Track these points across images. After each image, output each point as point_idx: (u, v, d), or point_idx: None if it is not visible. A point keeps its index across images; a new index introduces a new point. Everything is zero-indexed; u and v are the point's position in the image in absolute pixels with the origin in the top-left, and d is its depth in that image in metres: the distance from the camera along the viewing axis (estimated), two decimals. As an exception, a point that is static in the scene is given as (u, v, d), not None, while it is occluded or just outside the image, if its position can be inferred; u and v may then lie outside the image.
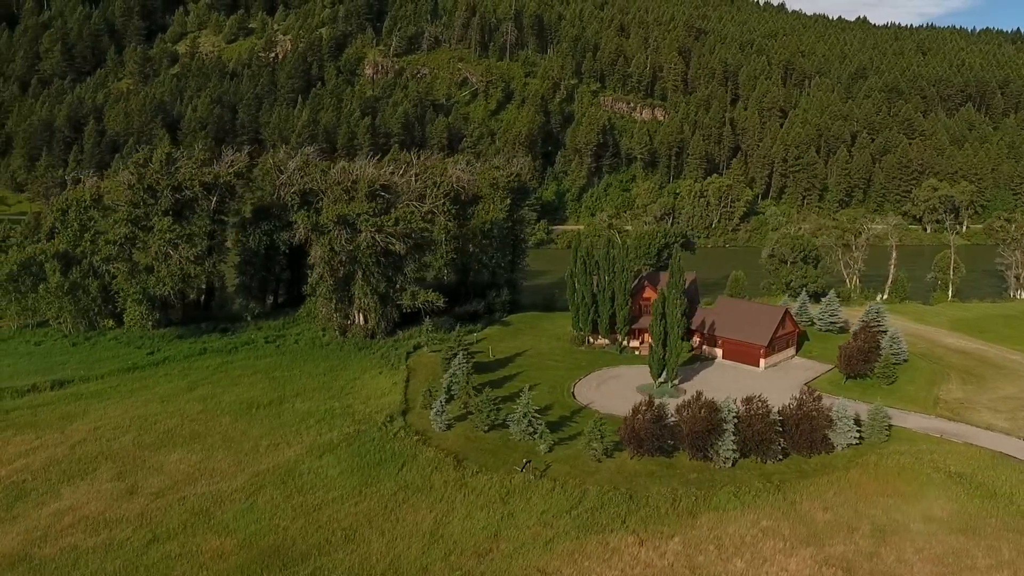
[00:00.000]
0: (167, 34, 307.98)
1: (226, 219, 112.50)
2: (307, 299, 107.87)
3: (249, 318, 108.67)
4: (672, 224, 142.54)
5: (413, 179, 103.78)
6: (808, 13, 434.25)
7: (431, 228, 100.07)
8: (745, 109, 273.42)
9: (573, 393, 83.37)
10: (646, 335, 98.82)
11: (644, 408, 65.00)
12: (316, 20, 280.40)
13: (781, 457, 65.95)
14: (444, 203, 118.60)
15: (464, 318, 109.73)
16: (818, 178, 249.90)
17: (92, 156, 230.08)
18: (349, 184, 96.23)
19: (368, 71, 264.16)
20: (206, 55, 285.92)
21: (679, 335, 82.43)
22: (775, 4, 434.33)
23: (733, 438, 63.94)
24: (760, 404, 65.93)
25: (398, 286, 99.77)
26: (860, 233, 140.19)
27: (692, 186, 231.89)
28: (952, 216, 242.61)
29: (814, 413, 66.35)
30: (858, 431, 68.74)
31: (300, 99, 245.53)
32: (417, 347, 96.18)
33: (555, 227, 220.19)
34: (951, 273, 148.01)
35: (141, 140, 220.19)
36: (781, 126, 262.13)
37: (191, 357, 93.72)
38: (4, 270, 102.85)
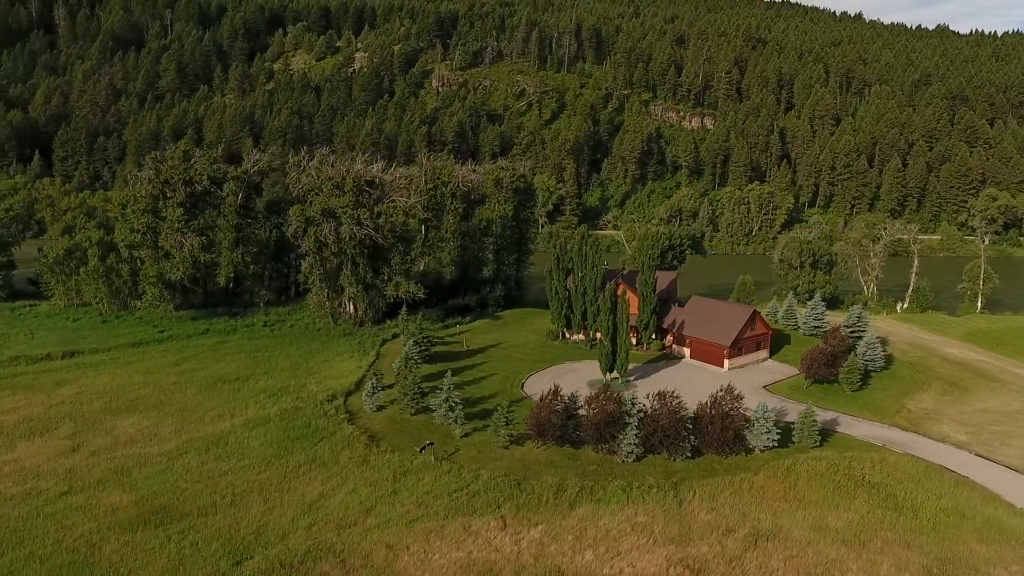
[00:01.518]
0: (267, 53, 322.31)
1: (253, 214, 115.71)
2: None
3: (261, 304, 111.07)
4: (680, 225, 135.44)
5: (399, 176, 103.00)
6: (885, 23, 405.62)
7: (410, 223, 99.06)
8: (797, 117, 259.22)
9: (523, 385, 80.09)
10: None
11: (549, 398, 61.63)
12: (392, 38, 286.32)
13: (690, 455, 60.98)
14: (452, 202, 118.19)
15: (456, 311, 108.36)
16: (868, 187, 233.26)
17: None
18: (340, 180, 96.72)
19: (434, 84, 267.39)
20: (296, 72, 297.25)
21: (627, 330, 78.06)
22: (852, 14, 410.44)
23: (636, 432, 59.59)
24: (671, 400, 61.19)
25: (385, 277, 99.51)
26: (878, 239, 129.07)
27: (732, 193, 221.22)
28: (1011, 228, 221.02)
29: (729, 412, 60.98)
30: (779, 434, 62.73)
31: (370, 110, 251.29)
32: (395, 335, 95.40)
33: (595, 232, 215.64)
34: (981, 284, 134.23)
35: (229, 147, 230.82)
36: (832, 134, 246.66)
37: (193, 336, 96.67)
38: (52, 255, 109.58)
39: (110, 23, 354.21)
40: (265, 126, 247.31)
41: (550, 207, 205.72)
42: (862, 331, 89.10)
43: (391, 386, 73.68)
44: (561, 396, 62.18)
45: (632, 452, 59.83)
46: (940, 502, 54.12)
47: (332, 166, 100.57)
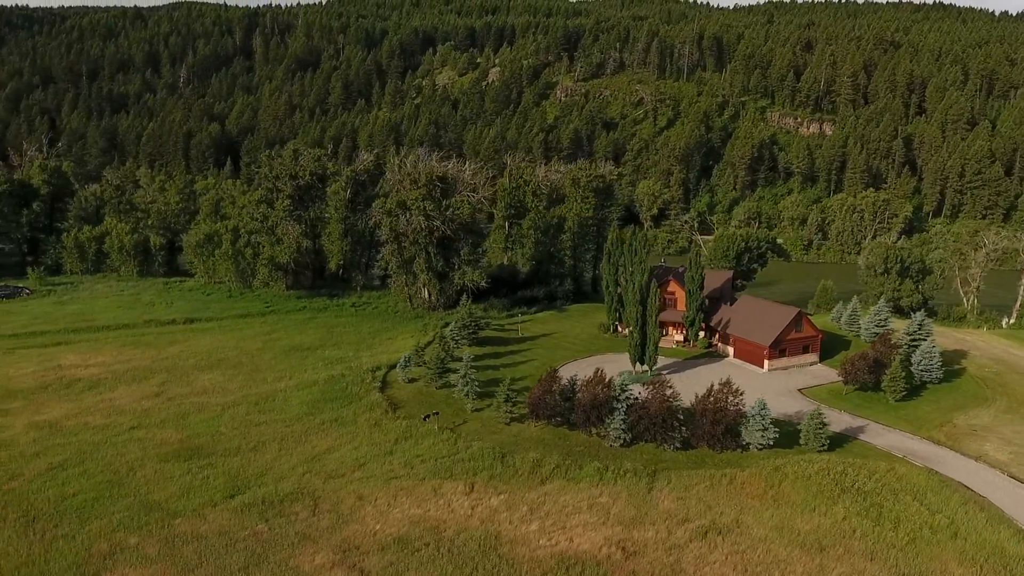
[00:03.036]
0: (418, 71, 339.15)
1: (359, 207, 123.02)
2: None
3: (357, 288, 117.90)
4: (758, 228, 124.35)
5: (474, 174, 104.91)
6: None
7: (477, 216, 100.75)
8: (927, 121, 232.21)
9: (556, 371, 78.65)
10: (670, 328, 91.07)
11: (547, 380, 60.84)
12: (524, 52, 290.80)
13: (680, 446, 57.75)
14: (532, 200, 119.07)
15: (525, 302, 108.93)
16: (1003, 196, 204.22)
17: (343, 166, 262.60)
18: (416, 176, 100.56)
19: (558, 94, 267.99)
20: (440, 87, 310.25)
21: (656, 323, 74.99)
22: (1014, 14, 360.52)
23: (623, 418, 57.39)
24: (663, 390, 58.26)
25: (455, 266, 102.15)
26: (979, 248, 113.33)
27: (844, 199, 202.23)
28: None
29: (721, 407, 57.07)
30: (777, 432, 57.74)
31: (497, 119, 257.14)
32: (470, 310, 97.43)
33: (701, 236, 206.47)
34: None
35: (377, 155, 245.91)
36: (964, 140, 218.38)
37: (290, 312, 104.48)
38: (193, 240, 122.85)
39: (294, 48, 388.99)
40: (405, 134, 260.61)
41: (655, 211, 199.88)
42: (922, 340, 79.25)
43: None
44: (559, 379, 61.18)
45: (620, 437, 57.72)
46: (932, 518, 47.47)
47: (415, 166, 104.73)
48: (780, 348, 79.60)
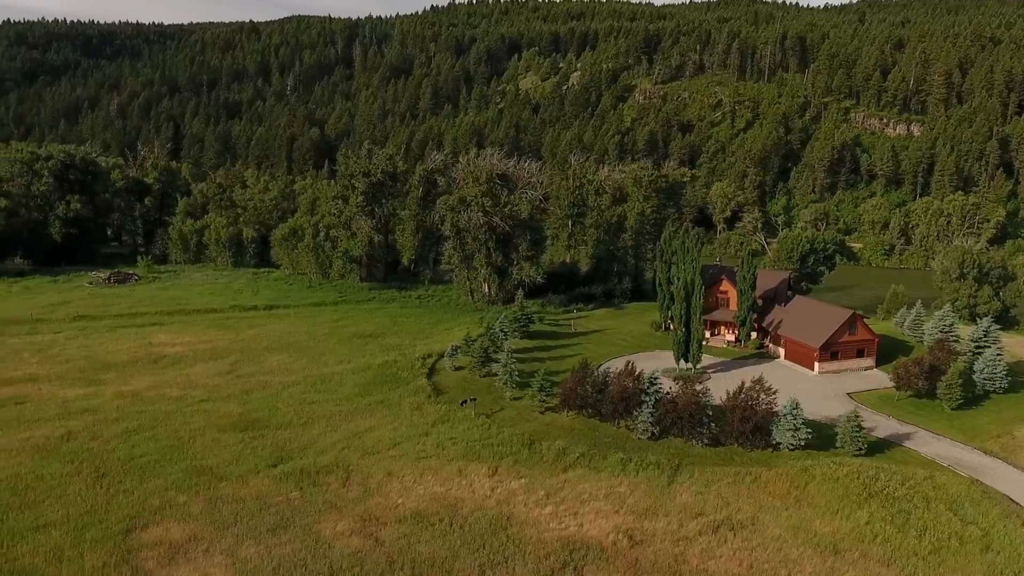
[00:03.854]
0: (503, 76, 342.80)
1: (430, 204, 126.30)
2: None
3: (426, 281, 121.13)
4: (825, 230, 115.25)
5: (536, 171, 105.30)
6: None
7: (536, 215, 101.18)
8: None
9: (601, 365, 78.64)
10: (722, 327, 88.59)
11: (579, 370, 60.72)
12: (604, 56, 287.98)
13: (708, 442, 56.22)
14: (595, 199, 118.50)
15: (583, 299, 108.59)
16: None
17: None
18: (478, 174, 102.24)
19: (637, 97, 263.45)
20: (524, 91, 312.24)
21: (700, 319, 73.16)
22: None
23: (651, 412, 56.49)
24: (693, 385, 56.90)
25: (514, 261, 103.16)
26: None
27: (931, 203, 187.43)
28: None
29: (751, 405, 55.13)
30: (810, 433, 55.14)
31: (577, 123, 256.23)
32: (522, 304, 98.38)
33: (773, 240, 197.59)
34: None
35: (454, 156, 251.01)
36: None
37: (360, 302, 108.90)
38: (279, 234, 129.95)
39: (389, 56, 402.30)
40: (487, 137, 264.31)
41: (728, 214, 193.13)
42: (988, 347, 73.09)
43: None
44: (591, 369, 60.92)
45: (647, 430, 56.86)
46: (964, 529, 44.11)
47: (476, 164, 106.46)
48: (832, 351, 75.72)
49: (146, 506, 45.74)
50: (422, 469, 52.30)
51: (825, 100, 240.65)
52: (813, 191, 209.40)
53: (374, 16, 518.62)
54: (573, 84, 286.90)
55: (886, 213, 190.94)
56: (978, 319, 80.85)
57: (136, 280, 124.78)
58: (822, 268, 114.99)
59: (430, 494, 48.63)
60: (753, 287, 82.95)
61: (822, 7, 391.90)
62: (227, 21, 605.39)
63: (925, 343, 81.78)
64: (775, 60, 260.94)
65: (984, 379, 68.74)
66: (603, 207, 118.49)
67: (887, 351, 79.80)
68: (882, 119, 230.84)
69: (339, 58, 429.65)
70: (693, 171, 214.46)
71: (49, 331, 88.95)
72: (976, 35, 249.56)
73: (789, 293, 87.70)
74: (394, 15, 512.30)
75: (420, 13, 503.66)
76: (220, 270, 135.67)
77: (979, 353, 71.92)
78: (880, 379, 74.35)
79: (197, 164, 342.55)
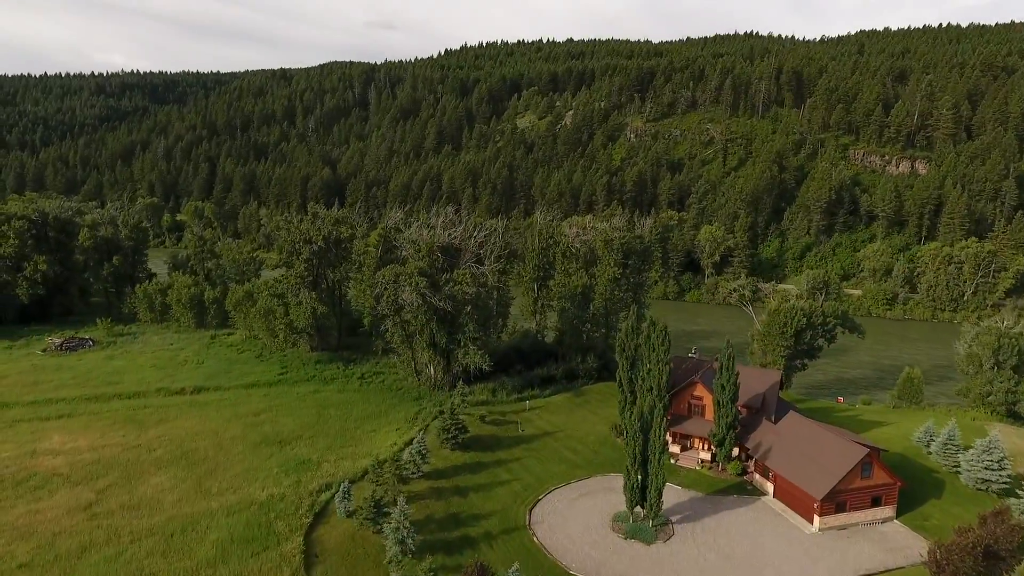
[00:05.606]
0: (503, 116, 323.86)
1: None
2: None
3: (379, 352, 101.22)
4: (825, 298, 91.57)
5: (475, 239, 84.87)
6: None
7: (484, 290, 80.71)
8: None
9: (535, 505, 57.65)
10: (695, 440, 66.86)
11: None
12: (598, 95, 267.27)
13: None
14: (563, 262, 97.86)
15: (539, 382, 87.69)
16: None
17: (427, 207, 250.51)
18: (419, 245, 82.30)
19: (629, 135, 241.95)
20: (521, 130, 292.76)
21: (662, 455, 51.98)
22: None
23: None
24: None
25: (460, 343, 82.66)
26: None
27: (939, 249, 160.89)
28: None
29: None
30: None
31: (567, 162, 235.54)
32: (452, 408, 77.93)
33: (766, 285, 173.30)
34: None
35: (450, 197, 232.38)
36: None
37: (298, 382, 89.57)
38: (233, 297, 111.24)
39: (400, 99, 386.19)
40: (479, 178, 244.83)
41: (716, 259, 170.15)
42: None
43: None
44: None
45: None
46: None
47: (420, 231, 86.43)
48: (838, 501, 53.43)
49: None
50: None
51: (822, 136, 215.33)
52: (808, 233, 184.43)
53: (388, 60, 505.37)
54: (566, 123, 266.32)
55: (888, 259, 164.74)
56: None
57: (90, 346, 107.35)
58: (820, 342, 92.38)
59: None
60: (735, 398, 61.37)
61: (819, 39, 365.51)
62: (261, 68, 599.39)
63: (963, 479, 58.60)
64: (769, 95, 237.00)
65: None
66: (570, 271, 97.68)
67: (906, 478, 57.39)
68: (884, 156, 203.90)
69: (356, 100, 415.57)
70: (681, 214, 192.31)
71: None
72: (987, 64, 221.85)
73: (781, 394, 65.81)
74: (414, 59, 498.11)
75: (434, 56, 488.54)
76: (180, 332, 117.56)
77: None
78: (903, 541, 51.98)
79: (220, 203, 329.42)
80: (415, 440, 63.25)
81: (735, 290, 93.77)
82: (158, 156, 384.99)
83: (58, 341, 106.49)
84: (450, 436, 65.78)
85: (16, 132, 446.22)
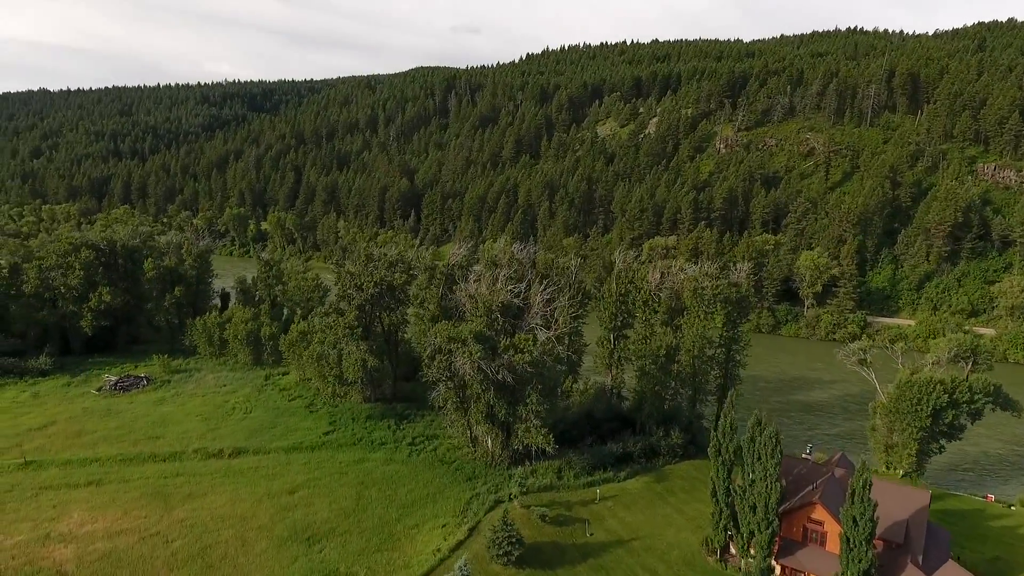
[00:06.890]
0: (584, 123, 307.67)
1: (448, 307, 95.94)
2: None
3: (436, 406, 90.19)
4: (972, 367, 69.65)
5: (548, 301, 71.32)
6: None
7: (548, 359, 67.23)
8: None
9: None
10: None
11: None
12: (685, 101, 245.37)
13: None
14: (644, 311, 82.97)
15: (613, 460, 73.17)
16: None
17: (502, 221, 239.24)
18: (476, 300, 70.11)
19: (718, 146, 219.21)
20: (602, 138, 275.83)
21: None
22: None
23: None
24: None
25: (522, 416, 69.73)
26: None
27: None
28: None
29: None
30: None
31: (650, 175, 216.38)
32: (511, 496, 65.16)
33: (879, 319, 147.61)
34: None
35: (527, 210, 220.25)
36: None
37: (343, 446, 79.84)
38: (289, 337, 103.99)
39: (480, 106, 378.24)
40: (556, 191, 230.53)
41: (818, 288, 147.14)
42: None
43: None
44: None
45: None
46: None
47: (479, 279, 74.14)
48: None
49: None
50: None
51: (944, 147, 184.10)
52: (927, 260, 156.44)
53: (469, 67, 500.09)
54: (649, 132, 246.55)
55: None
56: None
57: (144, 385, 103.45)
58: (965, 422, 72.24)
59: None
60: (871, 536, 44.83)
61: (931, 34, 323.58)
62: (348, 75, 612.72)
63: None
64: (880, 100, 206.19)
65: None
66: (652, 322, 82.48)
67: None
68: (1021, 171, 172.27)
69: (436, 108, 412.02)
70: (777, 236, 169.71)
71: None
72: None
73: (931, 525, 48.42)
74: (496, 64, 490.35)
75: (515, 62, 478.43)
76: (236, 369, 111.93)
77: None
78: None
79: (301, 214, 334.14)
80: (462, 562, 51.02)
81: (854, 353, 74.79)
82: (249, 165, 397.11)
83: (114, 379, 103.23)
84: (502, 551, 53.08)
85: (128, 141, 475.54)
